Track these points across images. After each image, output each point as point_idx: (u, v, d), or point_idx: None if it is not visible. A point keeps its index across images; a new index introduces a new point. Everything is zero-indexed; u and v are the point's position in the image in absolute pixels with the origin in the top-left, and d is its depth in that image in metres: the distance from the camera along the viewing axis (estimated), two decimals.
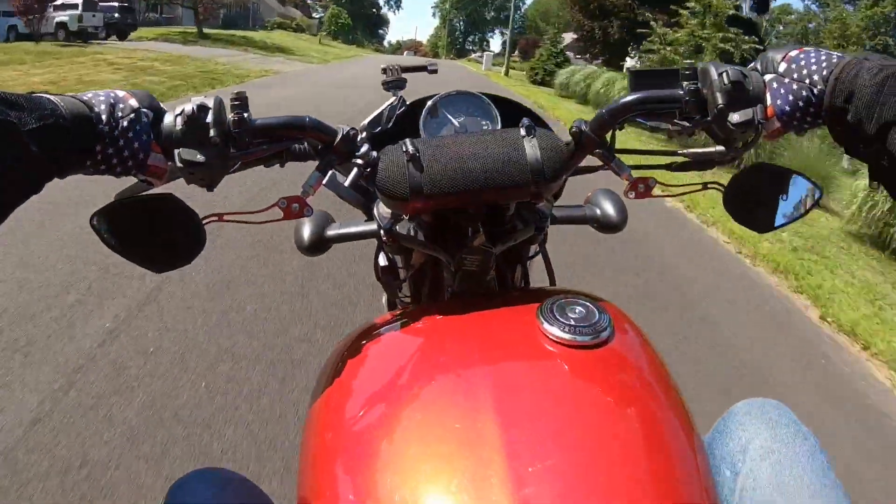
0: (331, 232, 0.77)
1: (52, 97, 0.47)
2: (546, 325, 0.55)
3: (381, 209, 0.73)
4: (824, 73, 0.55)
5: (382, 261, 0.82)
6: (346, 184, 0.60)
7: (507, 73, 24.23)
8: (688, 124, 0.63)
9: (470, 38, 71.58)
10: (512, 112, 0.75)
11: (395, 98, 0.70)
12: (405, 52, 61.59)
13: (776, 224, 0.68)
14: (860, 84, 0.50)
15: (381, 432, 0.51)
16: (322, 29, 46.87)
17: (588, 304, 0.57)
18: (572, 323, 0.54)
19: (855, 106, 0.51)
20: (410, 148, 0.57)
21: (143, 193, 0.58)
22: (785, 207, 0.67)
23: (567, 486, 0.43)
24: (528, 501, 0.42)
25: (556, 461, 0.45)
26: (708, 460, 0.54)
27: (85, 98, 0.51)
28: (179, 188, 0.60)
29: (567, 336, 0.54)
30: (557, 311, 0.56)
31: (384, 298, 1.02)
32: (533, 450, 0.45)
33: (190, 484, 0.55)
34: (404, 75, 0.74)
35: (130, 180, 0.58)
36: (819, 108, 0.56)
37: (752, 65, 0.64)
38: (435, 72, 0.80)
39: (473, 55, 55.60)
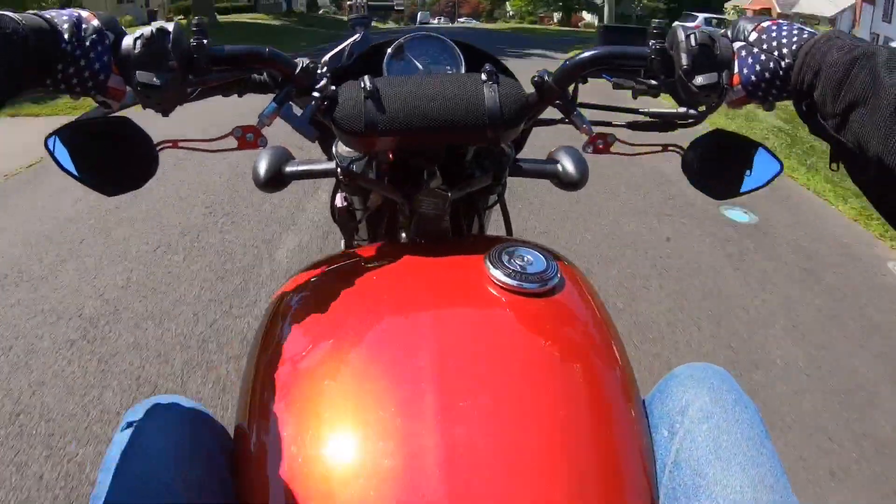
0: (289, 168, 0.76)
1: (12, 14, 0.46)
2: (492, 270, 0.55)
3: (340, 148, 0.72)
4: (794, 47, 0.55)
5: (339, 202, 0.82)
6: (303, 116, 0.59)
7: None
8: (652, 83, 0.63)
9: None
10: (478, 60, 0.74)
11: (358, 35, 0.69)
12: None
13: (732, 193, 0.69)
14: (829, 61, 0.50)
15: (320, 364, 0.52)
16: None
17: (538, 253, 0.58)
18: (519, 269, 0.55)
19: (822, 83, 0.51)
20: (369, 84, 0.57)
21: (99, 117, 0.58)
22: (743, 177, 0.68)
23: (496, 427, 0.44)
24: (454, 435, 0.43)
25: (488, 401, 0.46)
26: (646, 418, 0.56)
27: (47, 16, 0.50)
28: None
29: (512, 282, 0.54)
30: (506, 257, 0.56)
31: (342, 243, 1.01)
32: (466, 388, 0.46)
33: (145, 410, 0.55)
34: (369, 13, 0.72)
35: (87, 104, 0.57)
36: (786, 81, 0.56)
37: (722, 31, 0.64)
38: (401, 12, 0.78)
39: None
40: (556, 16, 44.71)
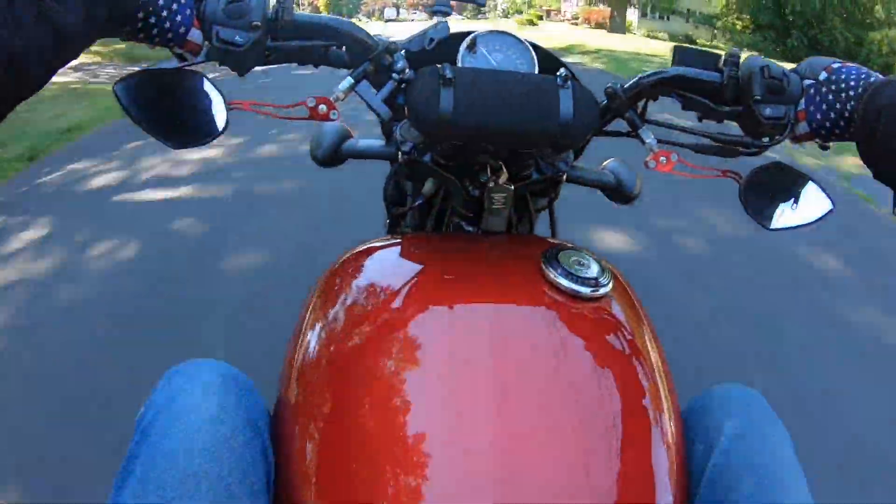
0: (348, 146, 0.77)
1: None
2: (548, 270, 0.56)
3: (403, 132, 0.73)
4: (860, 89, 0.56)
5: (392, 186, 0.83)
6: (378, 96, 0.61)
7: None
8: (721, 108, 0.64)
9: None
10: (549, 63, 0.75)
11: (438, 21, 0.70)
12: None
13: (783, 226, 0.70)
14: (890, 102, 0.51)
15: (371, 345, 0.51)
16: None
17: (589, 258, 0.59)
18: (574, 273, 0.55)
19: (883, 124, 0.52)
20: (448, 72, 0.57)
21: (173, 69, 0.58)
22: (794, 212, 0.69)
23: (544, 422, 0.45)
24: (504, 424, 0.43)
25: (538, 396, 0.46)
26: (683, 430, 0.56)
27: None
28: None
29: (567, 284, 0.55)
30: (561, 258, 0.57)
31: (385, 226, 1.02)
32: (518, 381, 0.47)
33: (188, 371, 0.54)
34: (453, 2, 0.73)
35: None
36: (850, 122, 0.57)
37: (794, 67, 0.64)
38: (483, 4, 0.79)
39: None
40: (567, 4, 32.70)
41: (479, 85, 0.58)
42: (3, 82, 0.40)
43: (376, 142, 0.80)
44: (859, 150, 0.58)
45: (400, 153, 0.69)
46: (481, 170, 0.65)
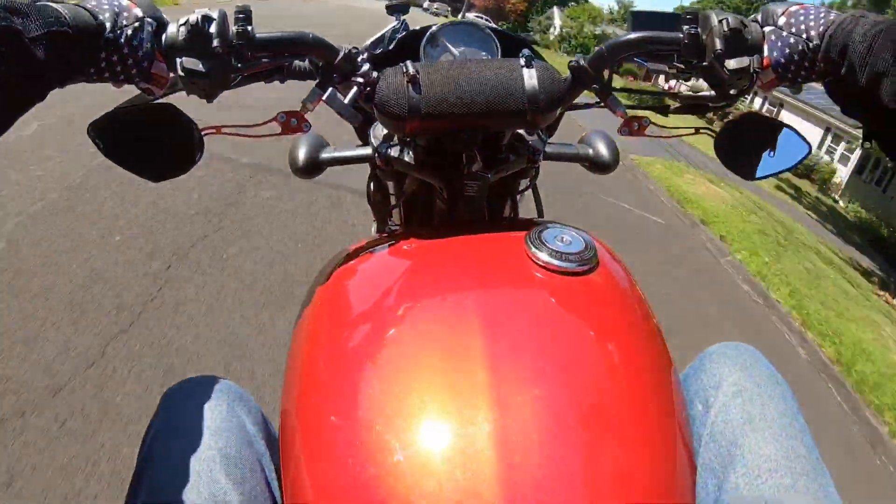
0: (325, 154, 0.78)
1: (56, 5, 0.47)
2: (534, 250, 0.56)
3: (376, 133, 0.73)
4: (821, 28, 0.57)
5: (374, 187, 0.83)
6: (346, 101, 0.61)
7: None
8: (684, 67, 0.65)
9: None
10: (512, 46, 0.75)
11: (397, 21, 0.70)
12: None
13: (762, 174, 0.70)
14: (854, 38, 0.52)
15: (368, 350, 0.52)
16: None
17: (575, 233, 0.60)
18: (560, 249, 0.56)
19: (848, 59, 0.52)
20: (411, 69, 0.58)
21: (142, 104, 0.59)
22: (772, 158, 0.70)
23: (546, 403, 0.45)
24: (507, 412, 0.44)
25: (536, 379, 0.47)
26: (683, 393, 0.57)
27: (89, 6, 0.51)
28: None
29: (554, 261, 0.55)
30: (546, 237, 0.58)
31: (374, 227, 1.03)
32: (515, 365, 0.47)
33: (186, 391, 0.56)
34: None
35: (131, 91, 0.59)
36: (814, 62, 0.58)
37: (753, 16, 0.65)
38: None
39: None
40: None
41: (443, 76, 0.59)
42: None
43: (353, 147, 0.80)
44: (826, 88, 0.58)
45: (376, 155, 0.70)
46: (458, 160, 0.66)
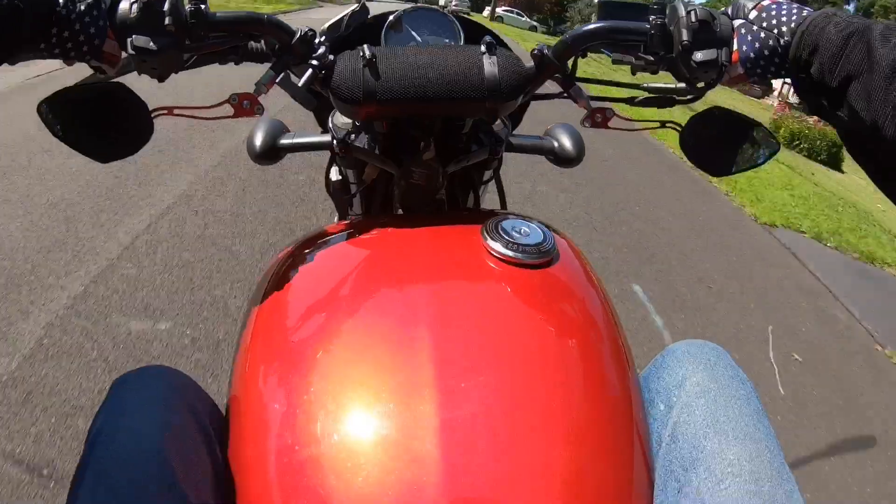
0: (284, 140, 0.76)
1: None
2: (489, 242, 0.55)
3: (336, 120, 0.71)
4: (793, 24, 0.55)
5: (334, 175, 0.81)
6: (300, 84, 0.59)
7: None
8: (651, 59, 0.63)
9: None
10: (476, 34, 0.74)
11: (357, 5, 0.68)
12: None
13: (730, 170, 0.69)
14: (826, 38, 0.50)
15: (316, 338, 0.51)
16: None
17: (534, 225, 0.58)
18: (516, 241, 0.55)
19: (819, 59, 0.51)
20: (368, 52, 0.56)
21: (94, 83, 0.57)
22: (740, 154, 0.68)
23: (494, 398, 0.44)
24: (453, 406, 0.43)
25: (485, 372, 0.46)
26: (641, 392, 0.56)
27: None
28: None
29: (510, 253, 0.54)
30: (502, 229, 0.56)
31: (336, 216, 1.01)
32: (464, 359, 0.46)
33: (136, 379, 0.55)
34: None
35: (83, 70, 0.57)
36: (784, 59, 0.56)
37: (723, 9, 0.64)
38: None
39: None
40: None
41: (400, 61, 0.57)
42: None
43: (312, 133, 0.78)
44: (794, 86, 0.58)
45: (335, 141, 0.68)
46: (414, 148, 0.64)
